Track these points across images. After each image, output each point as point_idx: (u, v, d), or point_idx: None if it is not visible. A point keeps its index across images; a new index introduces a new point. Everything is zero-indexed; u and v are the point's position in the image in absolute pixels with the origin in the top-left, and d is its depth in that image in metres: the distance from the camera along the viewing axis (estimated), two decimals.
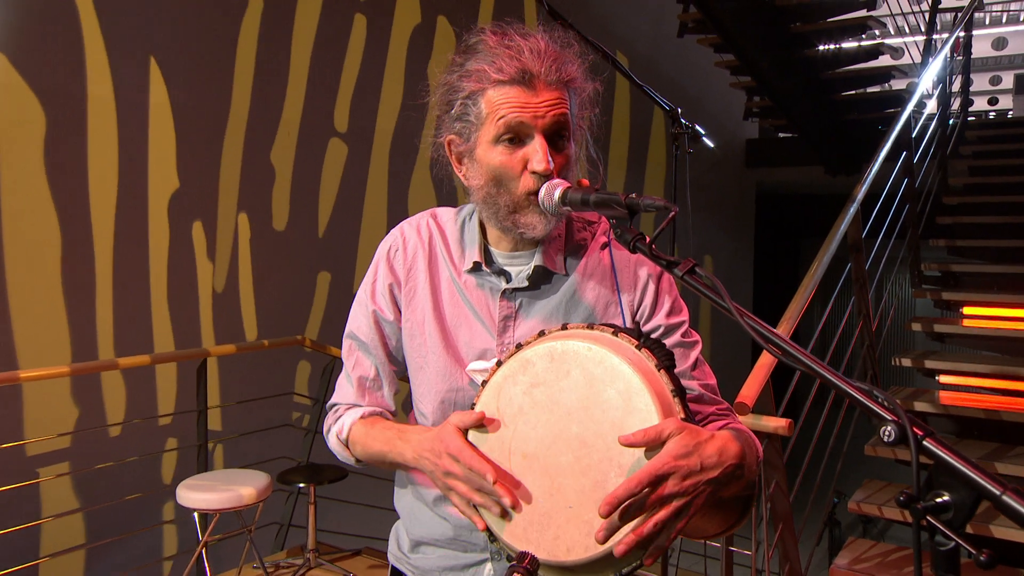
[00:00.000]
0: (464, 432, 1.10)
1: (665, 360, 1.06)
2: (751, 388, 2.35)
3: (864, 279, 3.73)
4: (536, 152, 1.16)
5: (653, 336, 1.11)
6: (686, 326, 1.30)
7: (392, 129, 5.14)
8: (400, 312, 1.33)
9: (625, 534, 0.98)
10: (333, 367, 4.31)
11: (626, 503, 0.97)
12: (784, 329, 2.71)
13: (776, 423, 2.37)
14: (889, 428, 0.82)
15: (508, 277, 1.29)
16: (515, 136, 1.17)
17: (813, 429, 3.21)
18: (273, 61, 4.56)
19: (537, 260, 1.26)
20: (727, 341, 8.00)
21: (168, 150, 4.13)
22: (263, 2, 4.46)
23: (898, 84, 7.34)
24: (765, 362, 2.47)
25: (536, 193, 1.18)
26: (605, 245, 1.31)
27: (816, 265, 3.06)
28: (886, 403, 0.85)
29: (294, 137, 4.72)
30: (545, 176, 1.16)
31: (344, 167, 5.01)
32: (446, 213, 1.38)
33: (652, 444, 0.99)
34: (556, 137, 1.19)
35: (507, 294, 1.28)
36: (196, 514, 3.29)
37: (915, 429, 0.81)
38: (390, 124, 5.14)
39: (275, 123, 4.63)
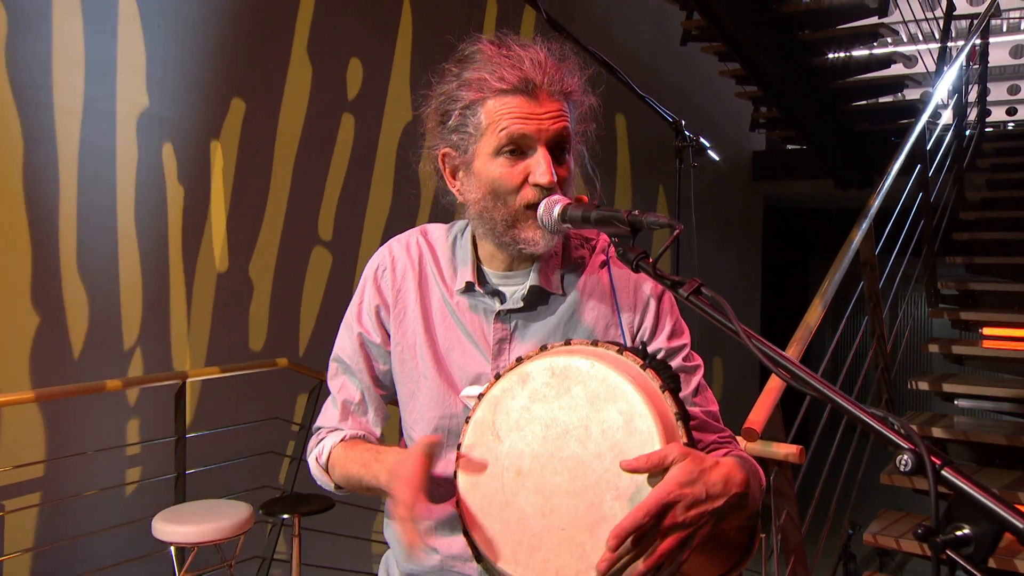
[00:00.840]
0: (431, 456, 1.10)
1: (670, 382, 1.07)
2: (759, 413, 2.35)
3: (878, 298, 3.74)
4: (539, 164, 1.17)
5: None
6: (688, 349, 1.31)
7: (380, 234, 5.04)
8: (388, 335, 1.34)
9: (628, 565, 0.98)
10: (320, 390, 4.29)
11: (633, 535, 0.96)
12: (794, 351, 2.71)
13: (787, 450, 2.36)
14: (905, 457, 0.82)
15: (502, 298, 1.29)
16: (517, 148, 1.18)
17: (826, 456, 3.20)
18: (254, 165, 4.49)
19: (532, 280, 1.27)
20: (735, 364, 8.00)
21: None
22: (245, 103, 4.42)
23: (912, 94, 7.40)
24: (774, 386, 2.47)
25: (535, 206, 1.18)
26: (604, 263, 1.32)
27: (827, 283, 3.06)
28: (902, 430, 0.85)
29: (275, 247, 4.63)
30: (547, 189, 1.17)
31: (328, 278, 4.89)
32: (436, 230, 1.38)
33: (654, 470, 0.99)
34: (557, 150, 1.20)
35: (501, 316, 1.28)
36: (172, 548, 3.26)
37: (933, 458, 0.81)
38: (378, 229, 5.04)
39: (255, 232, 4.54)
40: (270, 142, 4.58)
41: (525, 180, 1.19)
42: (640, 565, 0.98)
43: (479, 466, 1.09)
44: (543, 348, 1.13)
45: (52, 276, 3.74)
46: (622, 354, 1.09)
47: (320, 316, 4.88)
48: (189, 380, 3.92)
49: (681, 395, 1.24)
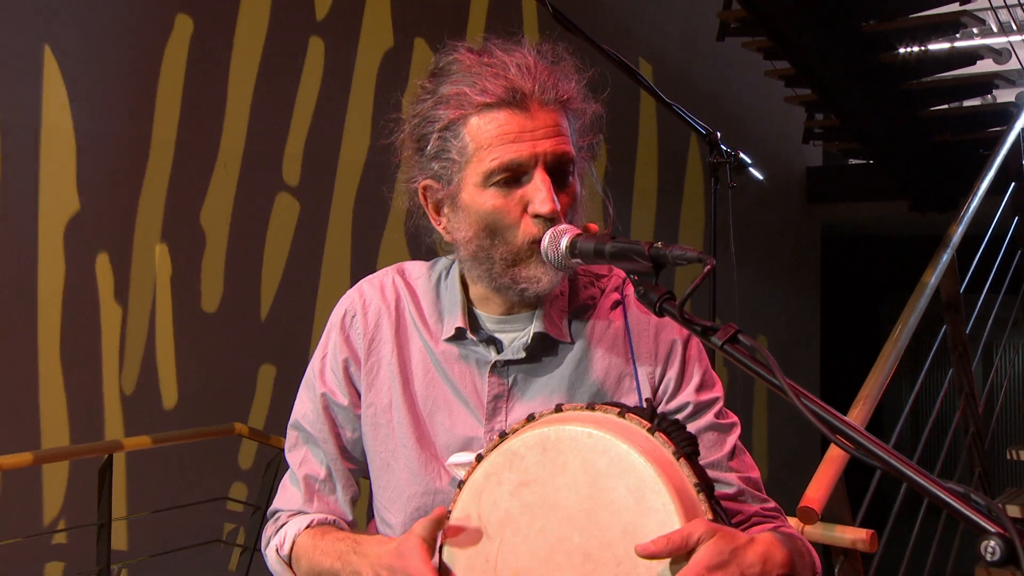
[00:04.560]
0: (433, 544, 1.10)
1: (685, 446, 1.08)
2: (818, 488, 2.33)
3: (964, 346, 3.73)
4: (539, 191, 1.18)
5: (679, 417, 1.12)
6: (720, 404, 1.31)
7: (357, 180, 5.10)
8: (359, 395, 1.34)
9: None
10: (278, 464, 4.28)
11: None
12: (861, 410, 2.70)
13: (854, 535, 2.34)
14: (992, 543, 0.82)
15: (499, 346, 1.30)
16: (511, 175, 1.19)
17: (905, 543, 3.18)
18: (205, 99, 4.56)
19: (537, 326, 1.28)
20: (789, 424, 7.95)
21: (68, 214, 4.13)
22: (193, 23, 4.49)
23: (1004, 96, 7.43)
24: (835, 455, 2.45)
25: (540, 241, 1.19)
26: (617, 304, 1.33)
27: (900, 328, 3.06)
28: (988, 510, 0.84)
29: (231, 193, 4.69)
30: (550, 220, 1.18)
31: (295, 229, 4.96)
32: (416, 268, 1.40)
33: (677, 553, 0.99)
34: (559, 172, 1.21)
35: (498, 368, 1.29)
36: None
37: None
38: (354, 174, 5.10)
39: (207, 176, 4.60)
40: (223, 75, 4.63)
41: (524, 211, 1.20)
42: None
43: (466, 573, 1.09)
44: (530, 418, 1.14)
45: None
46: (624, 417, 1.10)
47: (286, 276, 4.93)
48: (117, 453, 3.91)
49: (715, 459, 1.25)
